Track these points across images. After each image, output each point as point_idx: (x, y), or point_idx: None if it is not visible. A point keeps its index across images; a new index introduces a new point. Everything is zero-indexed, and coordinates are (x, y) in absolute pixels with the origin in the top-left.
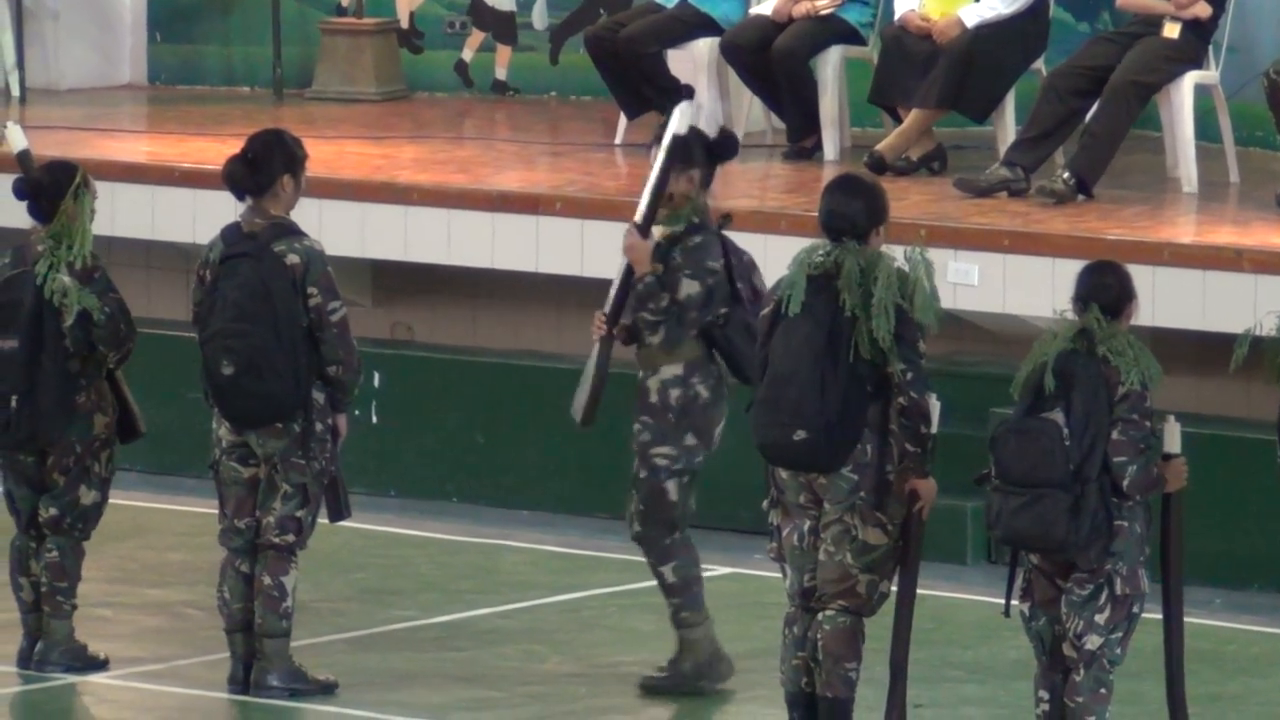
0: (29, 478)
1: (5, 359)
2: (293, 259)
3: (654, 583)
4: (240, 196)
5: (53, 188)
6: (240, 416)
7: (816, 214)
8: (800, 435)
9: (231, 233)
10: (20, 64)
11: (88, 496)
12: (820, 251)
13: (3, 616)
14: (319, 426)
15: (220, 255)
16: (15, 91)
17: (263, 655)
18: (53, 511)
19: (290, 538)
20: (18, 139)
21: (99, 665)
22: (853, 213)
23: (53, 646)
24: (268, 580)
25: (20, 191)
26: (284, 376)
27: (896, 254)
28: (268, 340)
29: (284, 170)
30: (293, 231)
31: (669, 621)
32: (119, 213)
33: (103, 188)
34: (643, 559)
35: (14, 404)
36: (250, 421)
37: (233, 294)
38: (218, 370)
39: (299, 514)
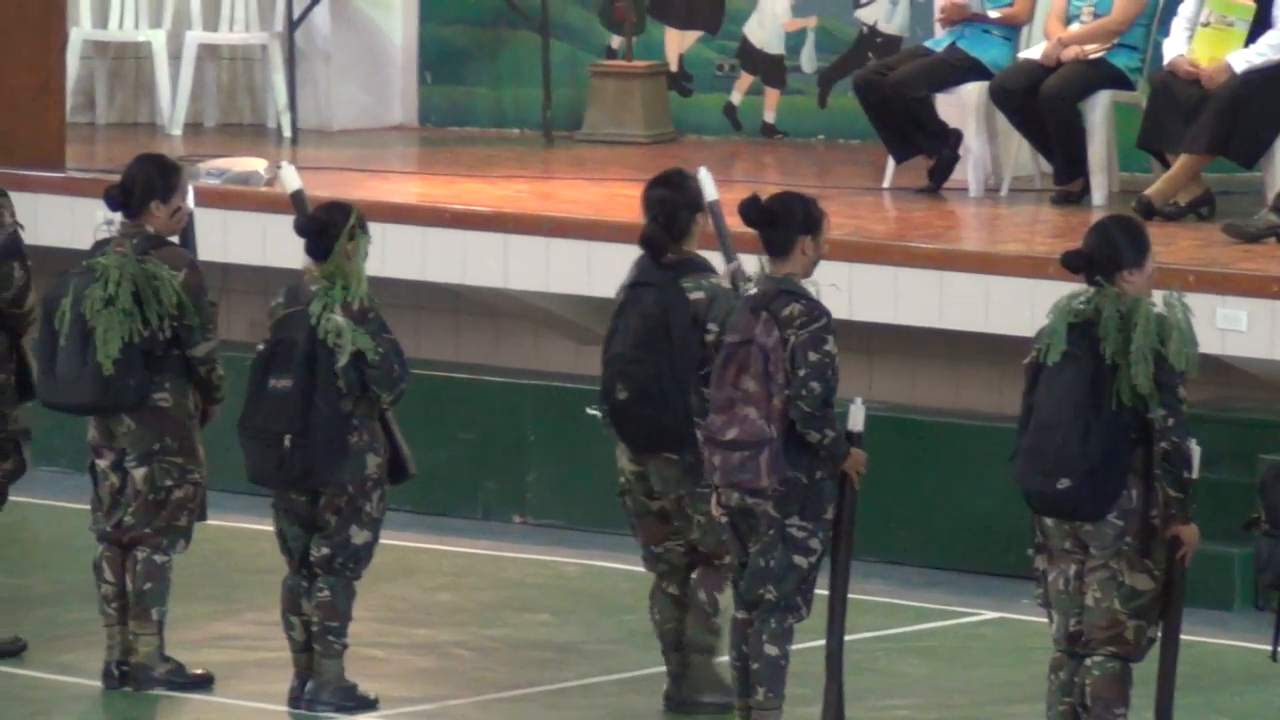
0: (301, 517)
1: (279, 398)
2: (697, 295)
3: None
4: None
5: (331, 228)
6: (633, 441)
7: None
8: (1064, 484)
9: (644, 262)
10: (292, 105)
11: (359, 536)
12: (1080, 299)
13: (275, 655)
14: None
15: (630, 281)
16: (287, 132)
17: (689, 670)
18: (325, 551)
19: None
20: (291, 180)
21: (369, 704)
22: (1093, 252)
23: (324, 686)
24: (702, 595)
25: (302, 229)
26: (675, 407)
27: (1156, 299)
28: (662, 370)
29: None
30: (703, 268)
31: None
32: (389, 254)
33: (373, 228)
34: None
35: (288, 443)
36: (642, 446)
37: (634, 322)
38: (613, 394)
39: (725, 536)
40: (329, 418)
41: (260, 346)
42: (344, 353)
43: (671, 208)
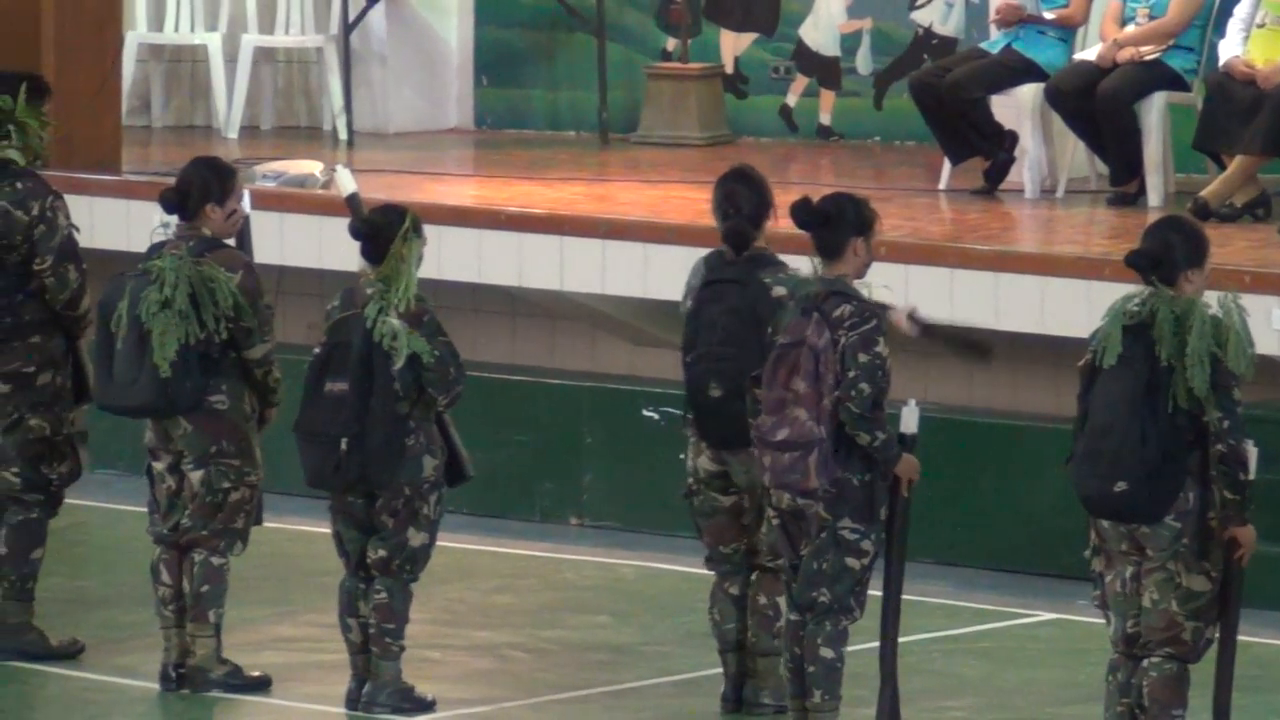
0: (358, 520)
1: (336, 401)
2: (779, 291)
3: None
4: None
5: (386, 230)
6: (722, 439)
7: None
8: (1121, 487)
9: (715, 258)
10: (348, 108)
11: (416, 539)
12: (1135, 301)
13: (332, 658)
14: None
15: (704, 280)
16: (343, 135)
17: (754, 673)
18: (381, 553)
19: (783, 560)
20: (347, 182)
21: (426, 706)
22: (1157, 252)
23: (381, 688)
24: (763, 600)
25: (356, 232)
26: None
27: (1211, 301)
28: (755, 364)
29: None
30: (776, 263)
31: None
32: (445, 256)
33: (430, 231)
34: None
35: (344, 446)
36: (731, 444)
37: (720, 318)
38: (704, 391)
39: (775, 538)
40: (385, 420)
41: (316, 350)
42: (400, 355)
43: (748, 201)
